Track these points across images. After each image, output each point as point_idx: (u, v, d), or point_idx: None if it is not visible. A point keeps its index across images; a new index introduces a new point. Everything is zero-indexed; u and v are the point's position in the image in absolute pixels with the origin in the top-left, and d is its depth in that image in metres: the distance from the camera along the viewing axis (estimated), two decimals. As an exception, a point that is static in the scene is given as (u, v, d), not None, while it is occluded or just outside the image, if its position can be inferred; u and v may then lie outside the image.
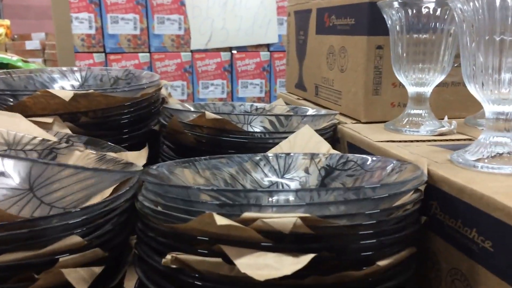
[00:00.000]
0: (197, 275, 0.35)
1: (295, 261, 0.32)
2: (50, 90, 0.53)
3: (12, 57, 1.35)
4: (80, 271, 0.34)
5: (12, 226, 0.32)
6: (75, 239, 0.34)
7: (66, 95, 0.55)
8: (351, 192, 0.35)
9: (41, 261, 0.33)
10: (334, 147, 0.60)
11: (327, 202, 0.35)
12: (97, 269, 0.35)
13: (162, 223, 0.37)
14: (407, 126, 0.59)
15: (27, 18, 4.32)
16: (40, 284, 0.33)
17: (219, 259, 0.33)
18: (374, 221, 0.35)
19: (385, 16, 0.57)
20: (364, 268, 0.34)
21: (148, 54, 1.81)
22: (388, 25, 0.58)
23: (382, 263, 0.34)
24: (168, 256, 0.35)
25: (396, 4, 0.55)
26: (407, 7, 0.54)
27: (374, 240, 0.35)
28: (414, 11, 0.54)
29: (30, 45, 3.02)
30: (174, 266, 0.35)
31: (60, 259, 0.33)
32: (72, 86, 0.74)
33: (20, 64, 1.31)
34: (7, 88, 0.64)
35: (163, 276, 0.37)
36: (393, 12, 0.56)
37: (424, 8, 0.53)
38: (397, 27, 0.56)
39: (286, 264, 0.32)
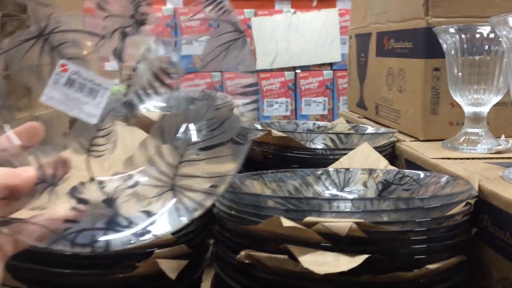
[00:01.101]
0: (266, 270, 0.41)
1: (351, 260, 0.37)
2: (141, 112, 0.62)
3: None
4: (171, 262, 0.41)
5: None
6: (167, 235, 0.42)
7: (154, 116, 0.64)
8: (402, 202, 0.39)
9: (141, 252, 0.41)
10: (392, 164, 0.64)
11: (380, 210, 0.40)
12: (183, 262, 0.43)
13: (236, 226, 0.43)
14: (464, 144, 0.61)
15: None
16: (140, 271, 0.40)
17: (285, 256, 0.39)
18: (424, 229, 0.39)
19: (440, 41, 0.61)
20: (415, 270, 0.38)
21: (219, 73, 1.93)
22: (444, 49, 0.61)
23: (431, 266, 0.38)
24: (242, 253, 0.41)
25: (451, 30, 0.59)
26: (461, 32, 0.57)
27: (424, 246, 0.39)
28: (468, 35, 0.57)
29: (109, 66, 3.28)
30: (246, 262, 0.41)
31: (155, 251, 0.41)
32: (156, 107, 0.84)
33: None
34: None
35: (237, 271, 0.43)
36: (448, 36, 0.59)
37: (478, 32, 0.57)
38: (452, 50, 0.59)
39: (343, 263, 0.37)
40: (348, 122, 0.92)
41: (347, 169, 0.59)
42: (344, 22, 1.99)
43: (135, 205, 0.37)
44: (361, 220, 0.37)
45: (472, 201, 0.44)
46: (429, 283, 0.39)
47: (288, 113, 1.99)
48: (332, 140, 0.69)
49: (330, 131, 0.77)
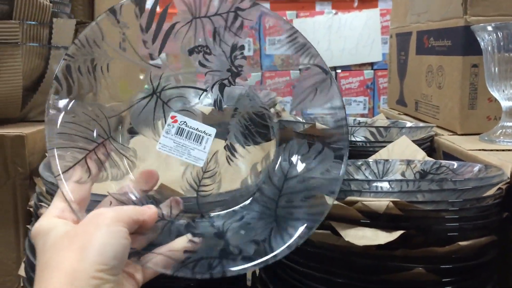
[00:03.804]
0: (310, 244, 0.45)
1: (388, 235, 0.41)
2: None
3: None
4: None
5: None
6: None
7: (207, 110, 0.71)
8: (436, 184, 0.43)
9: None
10: (430, 157, 0.67)
11: (415, 191, 0.44)
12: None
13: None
14: (501, 137, 0.64)
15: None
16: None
17: (328, 232, 0.44)
18: (456, 209, 0.43)
19: (478, 38, 0.64)
20: (447, 246, 0.42)
21: (259, 73, 1.99)
22: (481, 46, 0.64)
23: (463, 243, 0.42)
24: (289, 229, 0.46)
25: (488, 28, 0.61)
26: (498, 29, 0.60)
27: (456, 224, 0.43)
28: (505, 33, 0.60)
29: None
30: (293, 237, 0.46)
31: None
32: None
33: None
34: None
35: (284, 245, 0.48)
36: (486, 34, 0.62)
37: (515, 30, 0.59)
38: (489, 48, 0.62)
39: (381, 237, 0.41)
40: (388, 118, 0.96)
41: (386, 160, 0.63)
42: (386, 22, 2.00)
43: (244, 236, 0.41)
44: (398, 199, 0.42)
45: (504, 187, 0.47)
46: (461, 259, 0.43)
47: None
48: (372, 134, 0.73)
49: (370, 125, 0.81)
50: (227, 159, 0.46)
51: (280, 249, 0.39)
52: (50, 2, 0.64)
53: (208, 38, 0.43)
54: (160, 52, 0.43)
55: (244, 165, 0.46)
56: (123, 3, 0.41)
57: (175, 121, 0.43)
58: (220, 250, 0.39)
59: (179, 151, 0.43)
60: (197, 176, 0.44)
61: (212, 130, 0.44)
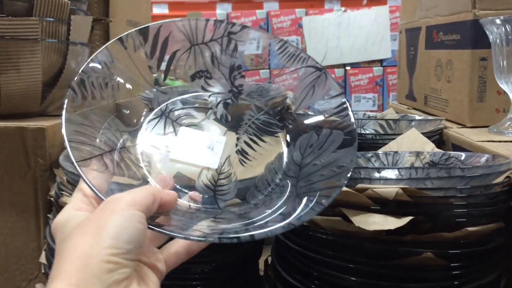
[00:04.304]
0: (321, 230, 0.47)
1: (397, 221, 0.43)
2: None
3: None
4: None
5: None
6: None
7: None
8: (444, 171, 0.44)
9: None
10: (440, 149, 0.68)
11: (424, 178, 0.45)
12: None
13: (296, 194, 0.50)
14: (509, 129, 0.65)
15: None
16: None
17: (339, 218, 0.45)
18: (465, 195, 0.44)
19: (487, 32, 0.65)
20: (455, 231, 0.43)
21: (268, 70, 2.01)
22: (490, 39, 0.65)
23: (471, 229, 0.43)
24: (301, 216, 0.47)
25: (497, 21, 0.62)
26: (506, 22, 0.61)
27: (465, 210, 0.44)
28: (513, 26, 0.61)
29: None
30: (304, 224, 0.48)
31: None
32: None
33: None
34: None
35: (296, 233, 0.49)
36: (494, 27, 0.63)
37: (523, 23, 0.60)
38: (498, 41, 0.63)
39: (390, 222, 0.43)
40: (397, 113, 0.96)
41: (396, 152, 0.64)
42: (395, 18, 2.01)
43: (267, 211, 0.42)
44: (407, 186, 0.43)
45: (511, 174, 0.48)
46: (468, 245, 0.44)
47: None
48: (382, 126, 0.74)
49: (379, 118, 0.82)
50: (240, 162, 0.48)
51: (308, 215, 0.39)
52: (68, -1, 0.66)
53: (207, 63, 0.48)
54: (165, 78, 0.48)
55: (258, 166, 0.48)
56: (129, 33, 0.44)
57: (186, 133, 0.47)
58: (245, 223, 0.40)
59: (194, 156, 0.46)
60: (212, 177, 0.46)
61: (222, 139, 0.47)
